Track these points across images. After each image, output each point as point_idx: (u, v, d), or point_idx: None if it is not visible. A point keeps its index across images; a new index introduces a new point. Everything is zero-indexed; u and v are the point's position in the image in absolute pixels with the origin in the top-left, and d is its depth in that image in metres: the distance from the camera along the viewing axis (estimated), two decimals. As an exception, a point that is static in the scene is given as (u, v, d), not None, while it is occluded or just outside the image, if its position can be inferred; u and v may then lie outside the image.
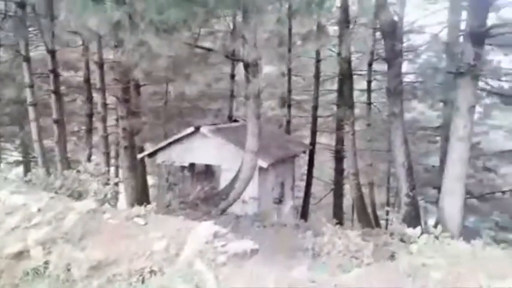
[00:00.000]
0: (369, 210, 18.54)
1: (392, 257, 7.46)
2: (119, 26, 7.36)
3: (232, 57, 8.43)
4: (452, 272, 4.16)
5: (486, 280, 3.90)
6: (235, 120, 17.37)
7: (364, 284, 4.50)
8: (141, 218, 5.57)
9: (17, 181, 7.94)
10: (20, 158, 21.90)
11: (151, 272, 4.68)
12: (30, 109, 13.03)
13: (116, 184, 20.62)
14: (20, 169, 21.54)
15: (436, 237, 6.64)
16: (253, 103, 10.27)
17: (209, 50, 8.49)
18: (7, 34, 14.04)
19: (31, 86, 12.90)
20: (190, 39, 8.02)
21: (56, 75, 13.50)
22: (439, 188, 13.60)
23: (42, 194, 6.26)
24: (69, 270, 4.58)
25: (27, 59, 12.61)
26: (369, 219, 16.95)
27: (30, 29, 12.98)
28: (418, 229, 5.69)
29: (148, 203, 17.60)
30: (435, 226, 8.99)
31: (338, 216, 20.47)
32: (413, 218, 11.52)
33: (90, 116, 16.40)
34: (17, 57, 13.57)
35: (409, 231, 5.81)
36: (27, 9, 11.55)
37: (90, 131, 16.34)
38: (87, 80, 16.01)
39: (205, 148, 14.36)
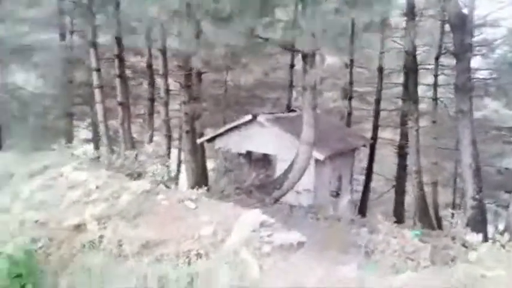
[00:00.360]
0: (431, 210, 17.63)
1: (452, 261, 7.03)
2: (177, 15, 7.48)
3: (290, 48, 8.27)
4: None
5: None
6: (293, 110, 17.17)
7: (416, 288, 4.27)
8: (192, 201, 5.69)
9: (82, 158, 8.43)
10: (90, 136, 23.27)
11: (198, 255, 4.77)
12: (96, 91, 13.76)
13: (179, 165, 21.48)
14: (90, 146, 22.97)
15: (502, 246, 6.15)
16: (310, 94, 10.09)
17: (266, 40, 8.41)
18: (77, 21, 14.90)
19: (97, 70, 13.60)
20: (247, 29, 7.98)
21: (121, 60, 14.11)
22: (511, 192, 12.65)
23: (101, 172, 6.60)
24: (121, 246, 4.77)
25: (94, 45, 13.29)
26: (430, 220, 16.12)
27: (97, 16, 13.62)
28: (480, 236, 5.28)
29: (207, 185, 18.13)
30: (502, 233, 8.34)
31: (399, 213, 19.73)
32: (478, 223, 10.79)
33: (152, 100, 17.00)
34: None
35: (470, 237, 5.42)
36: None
37: (152, 114, 16.96)
38: (150, 66, 16.56)
39: (261, 137, 14.36)
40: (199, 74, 17.58)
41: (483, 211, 10.99)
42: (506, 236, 6.72)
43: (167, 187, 7.79)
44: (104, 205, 5.47)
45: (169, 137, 17.50)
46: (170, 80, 18.46)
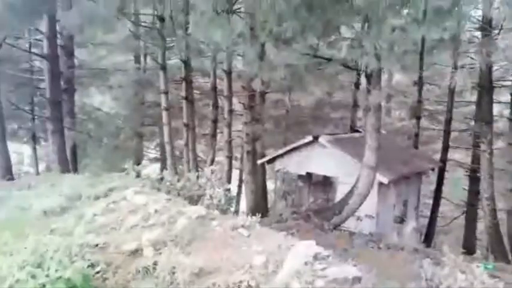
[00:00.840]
0: (506, 241, 16.12)
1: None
2: (241, 38, 7.61)
3: (353, 67, 8.06)
4: None
5: None
6: (357, 131, 16.72)
7: None
8: (245, 229, 5.63)
9: (145, 180, 8.74)
10: (158, 156, 24.31)
11: (249, 286, 4.66)
12: (164, 114, 14.31)
13: (239, 186, 21.69)
14: (158, 165, 23.98)
15: None
16: (374, 115, 9.75)
17: (328, 59, 8.29)
18: (148, 44, 15.70)
19: (165, 92, 14.17)
20: (309, 49, 7.92)
21: (188, 82, 14.62)
22: None
23: (160, 195, 6.78)
24: (174, 273, 4.80)
25: (164, 68, 13.89)
26: (504, 252, 14.71)
27: (167, 39, 14.25)
28: None
29: (267, 207, 18.08)
30: None
31: (469, 243, 18.31)
32: None
33: (215, 121, 17.39)
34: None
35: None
36: (166, 22, 12.71)
37: (214, 135, 17.34)
38: (214, 88, 17.01)
39: (322, 158, 14.08)
40: (262, 94, 17.75)
41: None
42: None
43: (223, 212, 7.83)
44: (161, 230, 5.57)
45: (230, 158, 17.75)
46: (234, 101, 18.86)
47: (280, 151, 15.20)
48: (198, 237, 5.48)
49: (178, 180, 8.91)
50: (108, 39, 18.06)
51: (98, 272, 4.70)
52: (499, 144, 20.23)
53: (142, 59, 20.27)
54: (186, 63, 14.04)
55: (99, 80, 20.41)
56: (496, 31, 14.68)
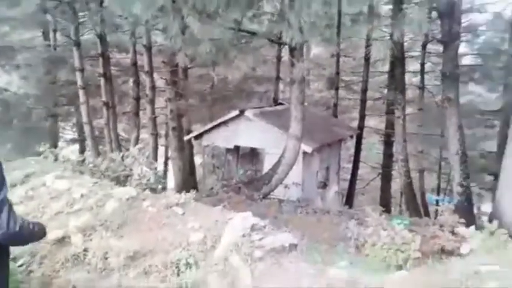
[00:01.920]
0: (418, 198, 17.72)
1: (442, 251, 6.94)
2: (162, 11, 7.21)
3: (277, 41, 8.06)
4: (509, 284, 3.71)
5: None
6: (281, 103, 17.02)
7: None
8: (179, 206, 5.49)
9: (66, 163, 8.13)
10: (76, 137, 22.85)
11: (187, 264, 4.58)
12: (80, 92, 13.39)
13: (166, 163, 21.17)
14: (76, 147, 22.56)
15: (492, 233, 6.07)
16: (298, 88, 9.91)
17: (253, 33, 8.19)
18: (58, 19, 14.40)
19: (81, 70, 13.21)
20: (233, 23, 7.75)
21: (105, 59, 13.75)
22: (495, 175, 12.63)
23: (85, 178, 6.35)
24: (106, 258, 4.56)
25: (78, 44, 12.89)
26: (417, 208, 16.17)
27: (81, 13, 13.17)
28: (472, 228, 5.20)
29: (195, 183, 17.89)
30: (490, 221, 8.31)
31: (385, 201, 19.79)
32: (466, 208, 10.81)
33: (137, 99, 16.64)
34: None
35: (462, 230, 5.32)
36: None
37: (137, 113, 16.62)
38: (134, 64, 16.20)
39: (249, 131, 14.21)
40: (185, 70, 17.28)
41: (470, 197, 11.01)
42: (495, 223, 6.65)
43: (154, 191, 7.58)
44: (89, 215, 5.23)
45: (155, 136, 17.20)
46: (156, 77, 18.14)
47: (207, 126, 15.06)
48: (130, 220, 5.24)
49: (102, 162, 8.43)
50: (12, 14, 16.23)
51: (21, 265, 4.32)
52: (409, 110, 21.87)
53: (52, 35, 18.57)
54: (102, 38, 13.12)
55: (4, 59, 18.41)
56: (405, 5, 15.51)
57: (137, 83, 16.39)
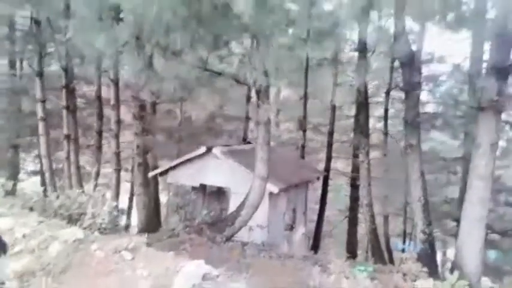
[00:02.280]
0: (383, 244, 17.71)
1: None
2: (126, 47, 7.11)
3: (243, 82, 8.07)
4: None
5: None
6: (249, 142, 16.98)
7: None
8: (129, 251, 5.16)
9: (18, 196, 7.70)
10: (38, 169, 21.95)
11: (131, 316, 4.24)
12: (40, 124, 12.95)
13: (131, 199, 20.48)
14: (38, 178, 21.65)
15: (452, 286, 6.01)
16: (263, 129, 9.87)
17: (219, 73, 8.18)
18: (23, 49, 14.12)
19: (42, 101, 12.83)
20: (199, 62, 7.72)
21: (69, 91, 13.44)
22: (458, 220, 12.80)
23: (32, 217, 5.94)
24: (42, 309, 4.16)
25: (40, 74, 12.58)
26: (382, 254, 16.10)
27: (49, 44, 12.97)
28: (430, 282, 5.10)
29: (159, 221, 17.28)
30: (451, 271, 8.28)
31: (352, 246, 19.67)
32: (428, 256, 10.76)
33: (100, 132, 16.20)
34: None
35: (421, 283, 5.22)
36: (43, 26, 11.54)
37: (100, 147, 16.14)
38: (99, 97, 15.89)
39: (216, 170, 13.95)
40: (153, 105, 17.09)
41: (433, 244, 10.99)
42: (455, 274, 6.58)
43: (109, 231, 7.20)
44: (29, 258, 4.83)
45: (119, 171, 16.69)
46: (124, 111, 17.85)
47: (173, 163, 14.72)
48: (75, 264, 4.88)
49: (58, 197, 8.01)
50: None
51: None
52: (375, 155, 22.25)
53: (18, 64, 18.17)
54: (67, 70, 12.86)
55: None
56: (370, 53, 16.12)
57: (100, 116, 16.01)
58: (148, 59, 7.20)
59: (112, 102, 15.95)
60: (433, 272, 9.35)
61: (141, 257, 5.05)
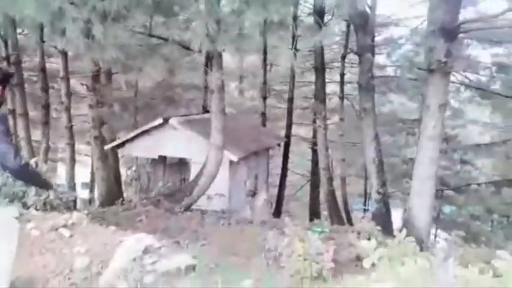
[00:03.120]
0: (341, 205, 18.16)
1: (357, 259, 6.95)
2: (60, 14, 6.59)
3: (189, 48, 7.72)
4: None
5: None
6: (208, 111, 16.66)
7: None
8: (68, 228, 4.94)
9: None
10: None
11: (68, 294, 4.07)
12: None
13: (92, 173, 19.92)
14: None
15: (399, 242, 6.13)
16: (217, 97, 9.63)
17: (165, 39, 7.79)
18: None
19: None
20: (142, 28, 7.31)
21: (10, 63, 12.58)
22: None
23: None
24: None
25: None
26: (339, 215, 16.51)
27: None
28: (373, 242, 5.16)
29: (121, 193, 16.94)
30: (401, 229, 8.53)
31: (314, 208, 20.06)
32: (383, 215, 11.09)
33: (46, 107, 15.34)
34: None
35: (365, 243, 5.28)
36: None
37: (47, 123, 15.35)
38: (42, 69, 14.97)
39: (174, 140, 13.70)
40: (108, 75, 16.41)
41: (387, 204, 11.29)
42: (404, 232, 6.76)
43: (54, 208, 6.90)
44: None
45: (72, 146, 16.08)
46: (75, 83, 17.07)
47: (129, 135, 14.32)
48: (8, 245, 4.60)
49: (1, 175, 7.58)
50: None
51: None
52: (334, 120, 22.47)
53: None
54: (6, 41, 12.00)
55: None
56: (327, 17, 15.91)
57: (46, 89, 15.11)
58: (85, 25, 6.72)
59: (61, 74, 15.13)
60: (387, 230, 9.64)
61: (79, 233, 4.84)
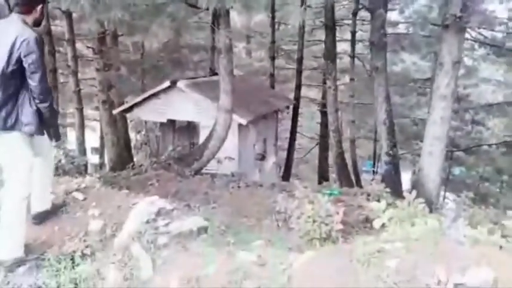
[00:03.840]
0: (350, 167, 18.19)
1: (366, 221, 7.03)
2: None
3: (195, 6, 7.53)
4: (408, 260, 3.69)
5: (444, 273, 3.44)
6: (217, 74, 16.50)
7: (315, 269, 4.06)
8: (81, 192, 5.04)
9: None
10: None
11: (83, 256, 4.20)
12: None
13: (102, 138, 20.09)
14: None
15: (409, 203, 6.17)
16: (225, 58, 9.47)
17: (170, -2, 7.59)
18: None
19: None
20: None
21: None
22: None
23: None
24: (-7, 253, 4.07)
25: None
26: (349, 178, 16.54)
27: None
28: (383, 204, 5.18)
29: (131, 157, 17.15)
30: (411, 190, 8.57)
31: (323, 170, 20.18)
32: (393, 177, 11.12)
33: (53, 71, 15.24)
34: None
35: (374, 204, 5.31)
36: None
37: (55, 87, 15.32)
38: (48, 32, 14.76)
39: (182, 104, 13.69)
40: (114, 37, 16.22)
41: (397, 166, 11.29)
42: (414, 193, 6.78)
43: (66, 173, 7.02)
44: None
45: (81, 110, 16.15)
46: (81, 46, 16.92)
47: (137, 99, 14.32)
48: (24, 208, 4.73)
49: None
50: None
51: None
52: (345, 80, 22.14)
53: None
54: (9, 3, 11.78)
55: None
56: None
57: (52, 53, 15.00)
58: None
59: (67, 36, 14.98)
60: (397, 191, 9.68)
61: (93, 196, 4.94)
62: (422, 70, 23.15)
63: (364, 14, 19.20)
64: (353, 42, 19.04)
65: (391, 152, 10.95)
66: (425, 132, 9.49)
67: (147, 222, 4.47)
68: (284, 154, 20.35)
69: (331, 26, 15.37)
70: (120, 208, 4.71)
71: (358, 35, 19.79)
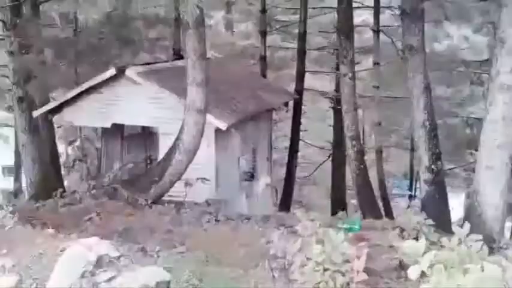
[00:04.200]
0: (377, 191, 18.24)
1: (401, 267, 7.10)
2: None
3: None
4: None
5: None
6: (181, 57, 16.60)
7: None
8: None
9: None
10: None
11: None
12: None
13: (17, 154, 20.05)
14: None
15: (460, 242, 6.24)
16: (194, 34, 9.62)
17: None
18: None
19: None
20: None
21: None
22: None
23: None
24: None
25: None
26: (374, 205, 16.53)
27: None
28: (422, 243, 5.25)
29: (61, 180, 17.13)
30: (463, 222, 8.65)
31: (339, 193, 20.25)
32: (437, 203, 11.20)
33: None
34: None
35: (411, 244, 5.38)
36: None
37: None
38: None
39: (134, 101, 13.73)
40: (34, 5, 16.27)
41: (442, 187, 11.37)
42: (466, 226, 6.86)
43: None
44: None
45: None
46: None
47: (69, 95, 14.35)
48: None
49: None
50: None
51: None
52: (368, 63, 22.30)
53: None
54: None
55: None
56: None
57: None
58: None
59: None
60: (443, 224, 9.75)
61: (4, 240, 4.95)
62: (476, 49, 23.43)
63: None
64: (377, 10, 19.19)
65: (433, 166, 11.04)
66: (481, 136, 9.60)
67: (82, 276, 4.49)
68: (282, 171, 20.42)
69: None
70: (42, 256, 4.74)
71: (384, -1, 20.04)
